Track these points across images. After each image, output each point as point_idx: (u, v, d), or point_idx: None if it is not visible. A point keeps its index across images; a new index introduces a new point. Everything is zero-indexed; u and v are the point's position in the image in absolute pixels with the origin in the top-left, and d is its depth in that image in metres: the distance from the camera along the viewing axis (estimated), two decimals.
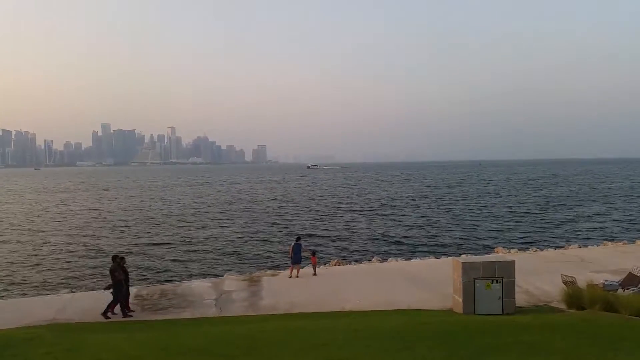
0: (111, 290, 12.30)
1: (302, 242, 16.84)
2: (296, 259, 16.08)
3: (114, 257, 12.70)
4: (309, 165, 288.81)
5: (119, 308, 12.32)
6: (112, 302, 12.25)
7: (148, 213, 46.26)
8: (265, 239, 30.27)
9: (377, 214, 42.57)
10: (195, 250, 26.69)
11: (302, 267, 17.14)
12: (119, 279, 12.22)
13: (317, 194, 70.13)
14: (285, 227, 34.98)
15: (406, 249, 25.92)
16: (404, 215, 41.22)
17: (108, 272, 12.68)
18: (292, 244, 16.27)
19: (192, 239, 30.78)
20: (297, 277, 15.98)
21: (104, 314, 12.14)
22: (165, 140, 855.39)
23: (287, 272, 16.63)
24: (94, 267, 22.59)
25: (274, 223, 37.41)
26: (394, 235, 30.62)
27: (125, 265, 12.80)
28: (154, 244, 28.82)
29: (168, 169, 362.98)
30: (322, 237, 30.46)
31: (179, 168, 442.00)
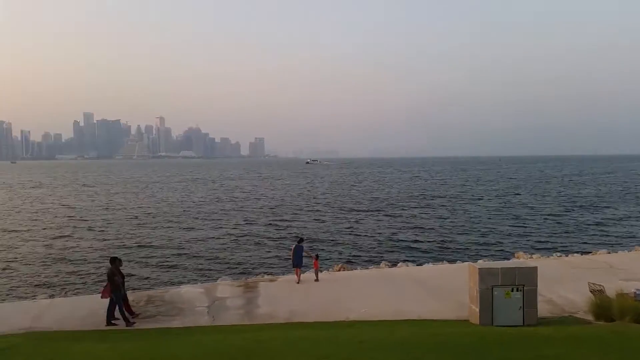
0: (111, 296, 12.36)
1: (304, 245, 16.92)
2: (297, 262, 16.20)
3: (113, 260, 12.75)
4: (308, 160, 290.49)
5: (118, 313, 12.41)
6: (110, 307, 12.32)
7: (132, 212, 46.40)
8: (262, 241, 30.32)
9: (385, 214, 42.65)
10: (185, 253, 26.76)
11: (304, 272, 17.22)
12: (117, 283, 12.30)
13: (319, 191, 70.27)
14: (284, 229, 35.08)
15: (417, 254, 25.98)
16: (414, 216, 41.28)
17: (106, 277, 12.68)
18: (294, 246, 16.39)
19: (182, 240, 30.83)
20: (298, 282, 16.09)
21: (108, 322, 12.25)
22: (154, 132, 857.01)
23: (288, 277, 16.66)
24: (72, 272, 22.70)
25: (272, 224, 37.52)
26: (403, 238, 30.64)
27: (121, 268, 12.91)
28: (139, 246, 28.90)
29: (156, 163, 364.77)
30: (325, 239, 30.53)
31: (169, 162, 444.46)
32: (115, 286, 12.26)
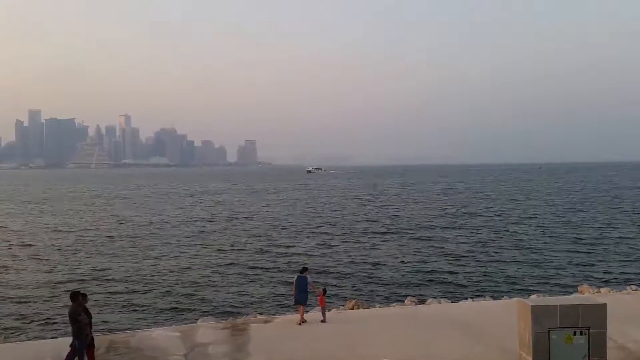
0: (74, 342, 12.37)
1: (309, 276, 16.99)
2: (300, 298, 16.33)
3: (75, 295, 12.77)
4: (310, 168, 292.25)
5: None
6: (69, 357, 12.34)
7: (88, 235, 46.71)
8: (254, 272, 30.39)
9: (409, 237, 42.73)
10: (155, 288, 26.74)
11: (308, 311, 17.26)
12: (83, 324, 12.32)
13: (325, 208, 70.68)
14: (280, 256, 35.18)
15: (452, 287, 25.98)
16: (447, 239, 41.33)
17: (67, 316, 12.67)
18: (296, 277, 16.58)
19: (151, 271, 30.88)
20: (300, 323, 16.19)
21: None
22: (117, 134, 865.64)
23: (288, 316, 16.68)
24: (12, 313, 22.75)
25: (265, 250, 37.63)
26: (434, 267, 30.66)
27: (87, 305, 12.94)
28: (97, 279, 28.97)
29: (120, 173, 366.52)
30: (333, 269, 30.58)
31: (136, 172, 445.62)
32: (79, 329, 12.27)
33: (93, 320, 12.80)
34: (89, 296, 13.85)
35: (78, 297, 12.68)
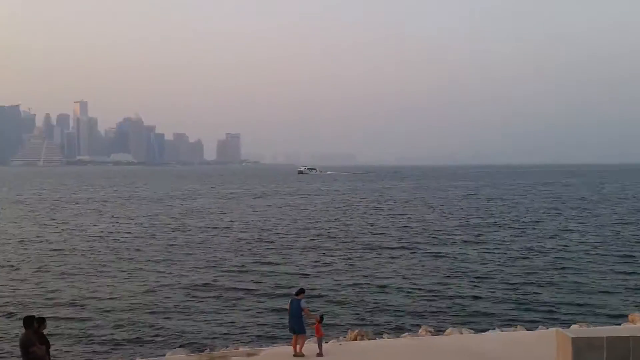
0: None
1: (304, 299, 17.04)
2: (293, 325, 16.50)
3: (29, 321, 12.75)
4: (302, 168, 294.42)
5: None
6: None
7: (28, 248, 46.39)
8: (235, 294, 30.05)
9: (424, 253, 42.59)
10: (114, 314, 26.44)
11: (308, 339, 17.25)
12: (39, 356, 12.30)
13: (321, 218, 70.35)
14: (267, 275, 34.96)
15: (476, 315, 25.82)
16: (469, 256, 41.18)
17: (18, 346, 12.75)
18: (290, 301, 16.81)
19: (108, 293, 30.49)
20: (295, 354, 16.34)
21: None
22: (71, 124, 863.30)
23: (276, 349, 16.78)
24: None
25: (248, 268, 37.33)
26: (454, 290, 30.63)
27: (44, 332, 12.97)
28: (42, 303, 28.52)
29: (74, 172, 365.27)
30: (332, 293, 30.26)
31: (93, 170, 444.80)
32: (34, 359, 12.29)
33: (53, 349, 12.80)
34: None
35: (32, 323, 12.68)
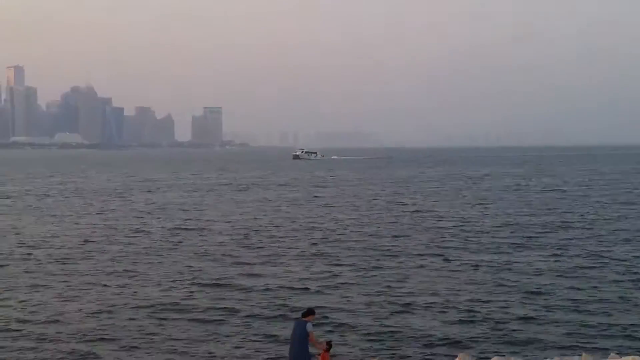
0: None
1: (311, 322, 17.43)
2: (295, 352, 16.82)
3: None
4: (299, 152, 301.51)
5: None
6: None
7: None
8: (214, 315, 29.44)
9: (460, 261, 41.18)
10: (54, 340, 25.98)
11: None
12: None
13: (326, 216, 69.73)
14: (254, 291, 33.62)
15: (526, 340, 25.37)
16: (517, 265, 39.96)
17: None
18: (294, 325, 17.21)
19: (55, 313, 29.65)
20: None
21: None
22: (3, 96, 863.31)
23: None
24: None
25: (231, 281, 36.16)
26: (498, 309, 29.45)
27: None
28: None
29: (5, 157, 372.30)
30: (342, 312, 29.44)
31: (30, 155, 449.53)
32: None
33: None
34: None
35: None
